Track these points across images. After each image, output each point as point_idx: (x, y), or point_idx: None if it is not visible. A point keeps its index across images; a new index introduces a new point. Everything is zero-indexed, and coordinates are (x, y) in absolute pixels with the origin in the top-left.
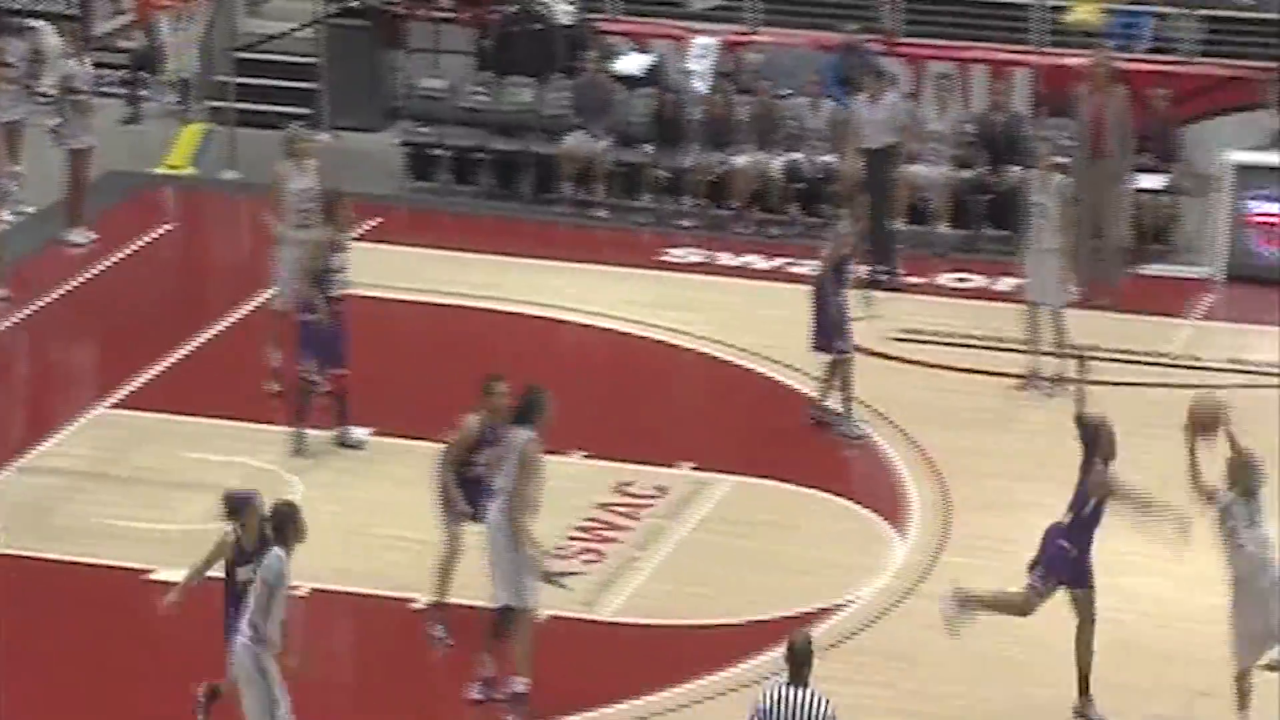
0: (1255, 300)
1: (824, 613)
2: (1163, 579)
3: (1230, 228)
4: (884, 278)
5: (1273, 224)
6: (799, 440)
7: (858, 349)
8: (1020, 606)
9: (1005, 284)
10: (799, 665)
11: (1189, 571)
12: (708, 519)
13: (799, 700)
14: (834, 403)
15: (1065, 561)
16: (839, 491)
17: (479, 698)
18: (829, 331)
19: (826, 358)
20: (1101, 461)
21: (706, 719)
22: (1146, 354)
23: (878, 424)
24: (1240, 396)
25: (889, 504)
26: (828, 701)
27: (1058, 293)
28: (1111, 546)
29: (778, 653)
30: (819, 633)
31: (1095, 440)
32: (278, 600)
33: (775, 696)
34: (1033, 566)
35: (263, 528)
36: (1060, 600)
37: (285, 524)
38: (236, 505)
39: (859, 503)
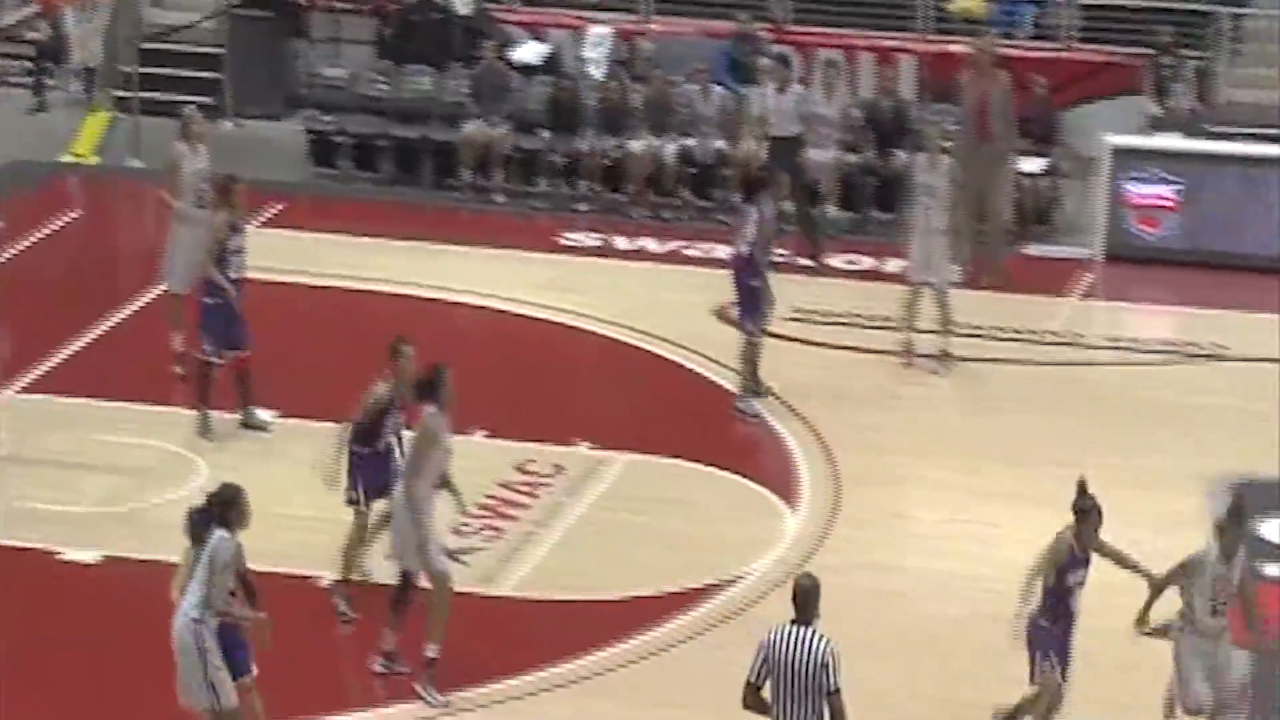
0: (1133, 279)
1: (720, 586)
2: (1034, 550)
3: (1109, 209)
4: (810, 261)
5: (1149, 206)
6: (693, 418)
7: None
8: (1052, 694)
9: (893, 265)
10: (802, 605)
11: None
12: (605, 496)
13: (799, 637)
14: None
15: (1048, 637)
16: (733, 468)
17: (381, 670)
18: (745, 311)
19: (749, 328)
20: (1074, 538)
21: (606, 691)
22: (1029, 332)
23: (769, 401)
24: (1118, 373)
25: (781, 479)
26: (826, 641)
27: (943, 272)
28: (986, 517)
29: (676, 624)
30: (716, 604)
31: (1085, 515)
32: (222, 581)
33: (778, 632)
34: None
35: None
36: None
37: (228, 507)
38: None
39: (752, 479)
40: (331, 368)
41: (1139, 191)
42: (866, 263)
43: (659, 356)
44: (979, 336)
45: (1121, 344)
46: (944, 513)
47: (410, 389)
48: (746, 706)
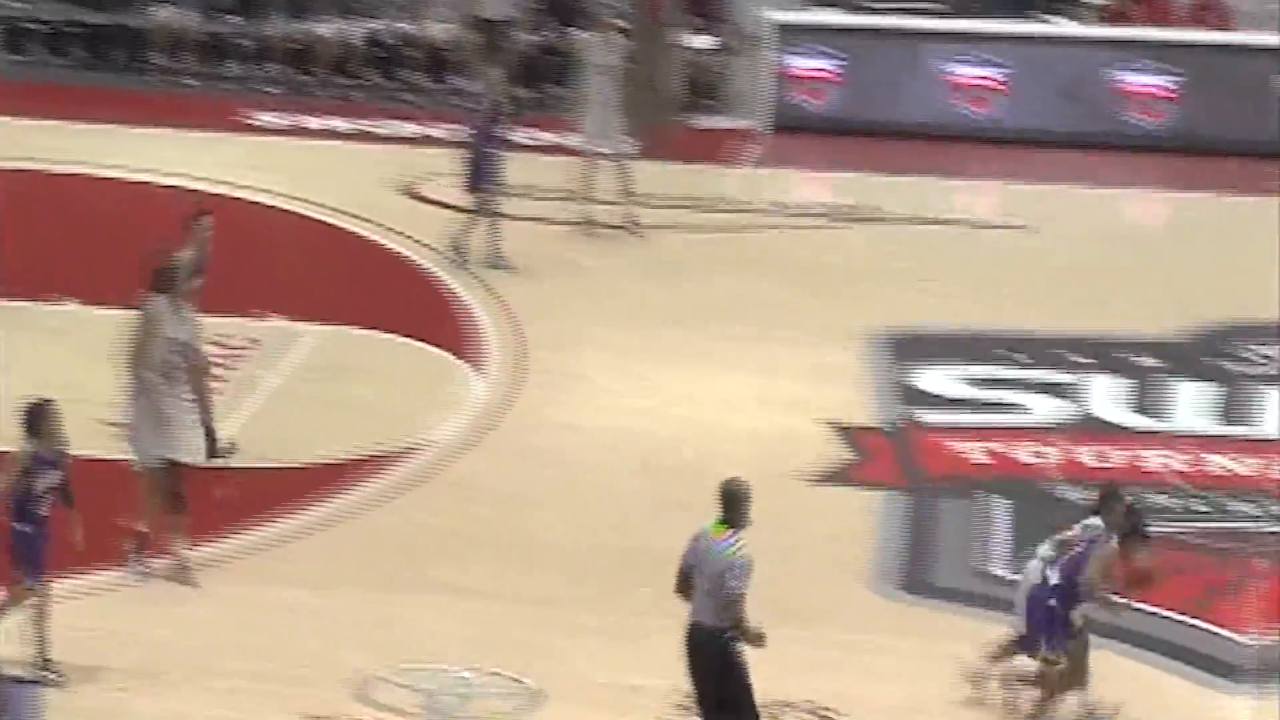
0: (797, 148)
1: (413, 450)
2: (696, 403)
3: (773, 82)
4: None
5: (812, 78)
6: (383, 290)
7: (436, 203)
8: (1063, 682)
9: (573, 139)
10: (724, 506)
11: (720, 394)
12: (299, 368)
13: (715, 538)
14: (476, 240)
15: (1054, 619)
16: (422, 337)
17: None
18: (479, 175)
19: (473, 199)
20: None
21: (300, 555)
22: (701, 200)
23: (455, 271)
24: (783, 236)
25: (469, 346)
26: (738, 546)
27: (619, 145)
28: (663, 376)
29: (370, 489)
30: (409, 468)
31: (1126, 516)
32: None
33: (702, 529)
34: (1030, 643)
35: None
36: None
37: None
38: (34, 415)
39: (441, 346)
40: (26, 248)
41: (801, 65)
42: (548, 138)
43: (349, 231)
44: (654, 206)
45: (787, 209)
46: (624, 374)
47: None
48: (678, 591)
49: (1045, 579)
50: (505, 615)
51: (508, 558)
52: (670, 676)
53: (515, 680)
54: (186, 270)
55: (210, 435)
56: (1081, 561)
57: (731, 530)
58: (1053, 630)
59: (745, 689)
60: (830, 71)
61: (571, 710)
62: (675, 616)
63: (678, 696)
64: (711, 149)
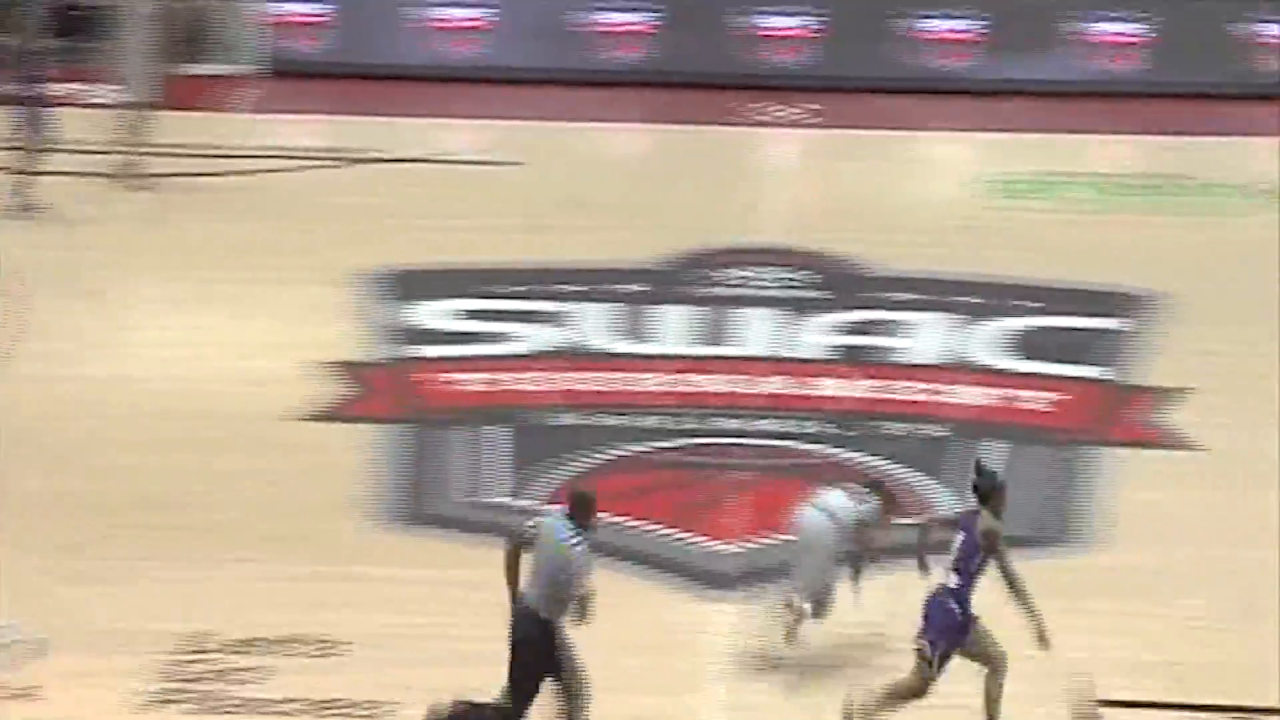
0: (291, 92)
1: None
2: (201, 346)
3: (265, 28)
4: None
5: (302, 23)
6: None
7: None
8: (917, 688)
9: (94, 90)
10: (571, 509)
11: (224, 336)
12: None
13: (556, 526)
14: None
15: (955, 627)
16: None
17: None
18: (30, 128)
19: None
20: (992, 514)
21: None
22: (203, 147)
23: None
24: (283, 179)
25: None
26: (576, 545)
27: (151, 93)
28: (185, 322)
29: None
30: None
31: (994, 493)
32: None
33: (546, 525)
34: (921, 635)
35: None
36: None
37: None
38: None
39: None
40: None
41: (292, 10)
42: (65, 89)
43: None
44: (157, 154)
45: (285, 153)
46: (133, 321)
47: None
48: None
49: (945, 587)
50: (5, 565)
51: (7, 507)
52: (167, 621)
53: (13, 627)
54: None
55: None
56: (970, 550)
57: (575, 528)
58: (944, 633)
59: (575, 669)
60: (321, 16)
61: (72, 658)
62: (172, 560)
63: (174, 641)
64: (207, 96)
